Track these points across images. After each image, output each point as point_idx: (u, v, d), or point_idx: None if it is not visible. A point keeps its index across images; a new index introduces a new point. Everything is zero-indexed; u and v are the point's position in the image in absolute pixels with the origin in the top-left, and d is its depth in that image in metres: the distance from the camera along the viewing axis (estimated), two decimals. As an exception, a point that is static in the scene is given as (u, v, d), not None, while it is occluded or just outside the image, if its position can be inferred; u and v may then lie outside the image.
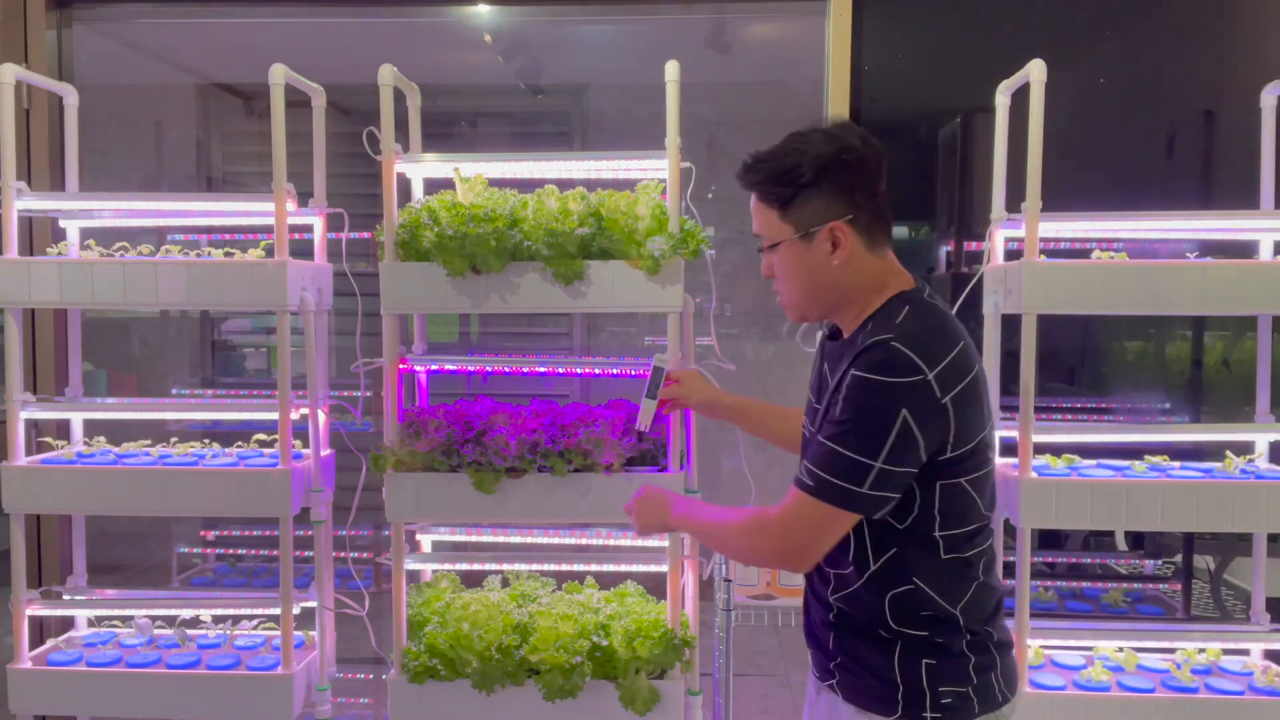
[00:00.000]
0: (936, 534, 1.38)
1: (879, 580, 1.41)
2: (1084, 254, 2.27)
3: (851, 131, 1.41)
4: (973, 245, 2.94)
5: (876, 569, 1.41)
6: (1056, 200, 2.14)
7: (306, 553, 2.50)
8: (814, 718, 1.57)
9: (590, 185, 2.17)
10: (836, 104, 2.68)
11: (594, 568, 2.42)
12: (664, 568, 2.20)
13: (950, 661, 1.41)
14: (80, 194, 2.52)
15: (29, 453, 2.39)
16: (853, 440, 1.31)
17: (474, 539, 2.49)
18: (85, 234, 2.51)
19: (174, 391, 3.61)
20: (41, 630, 2.75)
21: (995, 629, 1.46)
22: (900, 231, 3.17)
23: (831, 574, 1.47)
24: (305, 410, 2.34)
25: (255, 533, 3.23)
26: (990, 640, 1.44)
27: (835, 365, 1.44)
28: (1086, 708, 2.17)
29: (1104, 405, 2.98)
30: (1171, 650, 2.37)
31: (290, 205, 2.25)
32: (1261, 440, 2.34)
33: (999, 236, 2.34)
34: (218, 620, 2.55)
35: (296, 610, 2.33)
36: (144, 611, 2.52)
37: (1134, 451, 2.38)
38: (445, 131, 3.53)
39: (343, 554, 2.39)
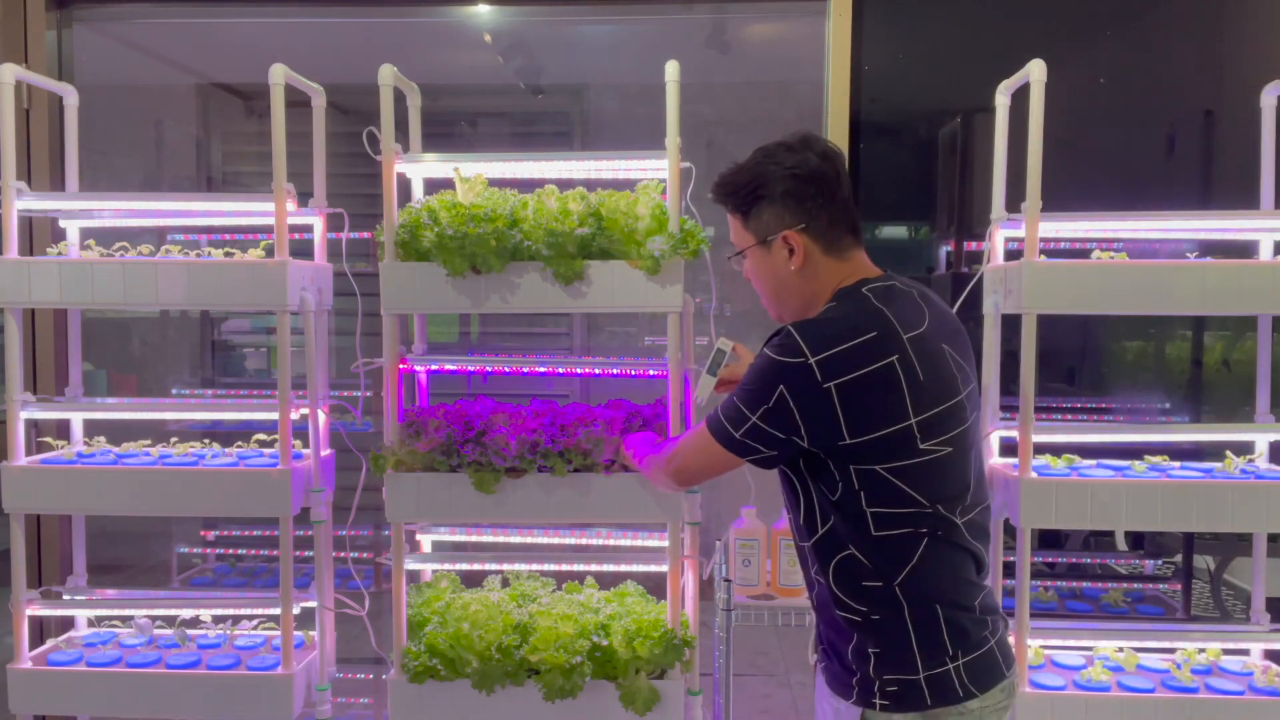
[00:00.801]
0: (865, 509, 1.44)
1: (822, 549, 1.51)
2: (1084, 254, 2.27)
3: (811, 146, 1.52)
4: (973, 245, 2.94)
5: (820, 537, 1.51)
6: (1056, 200, 2.14)
7: (306, 553, 2.50)
8: (819, 700, 1.66)
9: (590, 185, 2.17)
10: (836, 104, 2.68)
11: (594, 568, 2.42)
12: (664, 568, 2.20)
13: (896, 649, 1.46)
14: (80, 194, 2.52)
15: (29, 453, 2.39)
16: (743, 395, 1.47)
17: (474, 539, 2.49)
18: (85, 234, 2.51)
19: (174, 391, 3.61)
20: (41, 630, 2.75)
21: (957, 620, 1.46)
22: (900, 231, 3.17)
23: (805, 549, 1.57)
24: (305, 410, 2.34)
25: (255, 533, 3.23)
26: (945, 631, 1.45)
27: None
28: (1086, 708, 2.17)
29: (1104, 405, 2.98)
30: (1171, 650, 2.37)
31: (290, 205, 2.25)
32: (1261, 440, 2.34)
33: (999, 236, 2.34)
34: (218, 620, 2.55)
35: (296, 610, 2.33)
36: (144, 611, 2.52)
37: (1134, 451, 2.38)
38: (445, 131, 3.53)
39: (343, 554, 2.39)
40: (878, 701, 1.46)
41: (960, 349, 1.53)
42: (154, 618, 2.55)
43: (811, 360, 1.39)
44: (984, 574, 1.54)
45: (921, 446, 1.42)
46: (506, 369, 2.28)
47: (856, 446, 1.41)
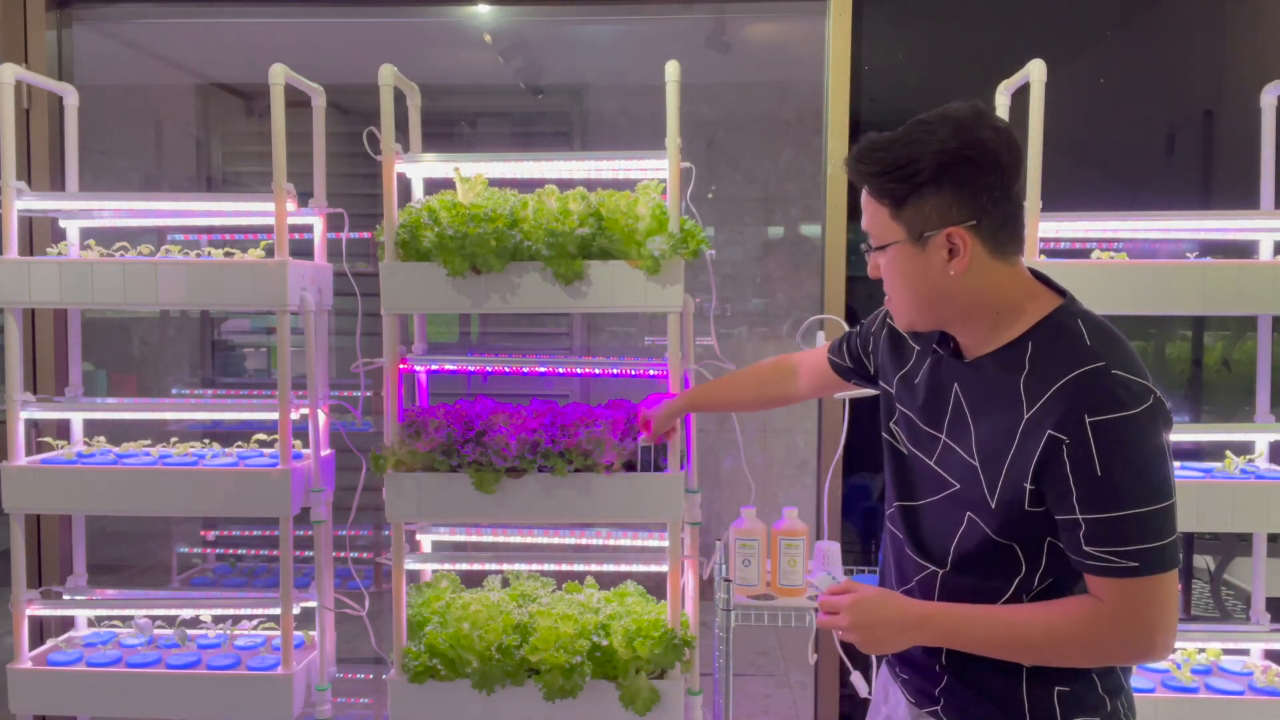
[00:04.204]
0: None
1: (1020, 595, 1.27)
2: (1084, 254, 2.27)
3: (983, 120, 1.20)
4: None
5: (1040, 591, 1.26)
6: (1056, 200, 2.14)
7: (306, 553, 2.50)
8: None
9: (590, 185, 2.17)
10: (836, 104, 2.68)
11: (594, 568, 2.42)
12: (664, 568, 2.20)
13: (1084, 686, 1.26)
14: (80, 194, 2.52)
15: (29, 453, 2.39)
16: (1142, 493, 1.13)
17: (474, 539, 2.49)
18: (85, 234, 2.52)
19: (174, 391, 3.61)
20: (41, 630, 2.75)
21: None
22: (900, 231, 3.16)
23: (957, 586, 1.31)
24: (305, 410, 2.34)
25: (255, 533, 3.23)
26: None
27: (982, 396, 1.28)
28: (1086, 708, 2.17)
29: (1104, 405, 2.98)
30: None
31: (290, 205, 2.26)
32: (1261, 440, 2.34)
33: (999, 236, 2.34)
34: (218, 620, 2.55)
35: (296, 610, 2.33)
36: (144, 611, 2.52)
37: (1134, 451, 2.38)
38: (445, 131, 3.53)
39: (343, 554, 2.39)
40: None
41: None
42: (154, 618, 2.55)
43: (1157, 391, 1.14)
44: None
45: None
46: (506, 369, 2.28)
47: None
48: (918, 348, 1.42)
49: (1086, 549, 1.17)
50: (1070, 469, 1.15)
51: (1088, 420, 1.13)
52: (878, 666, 2.33)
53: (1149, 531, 1.13)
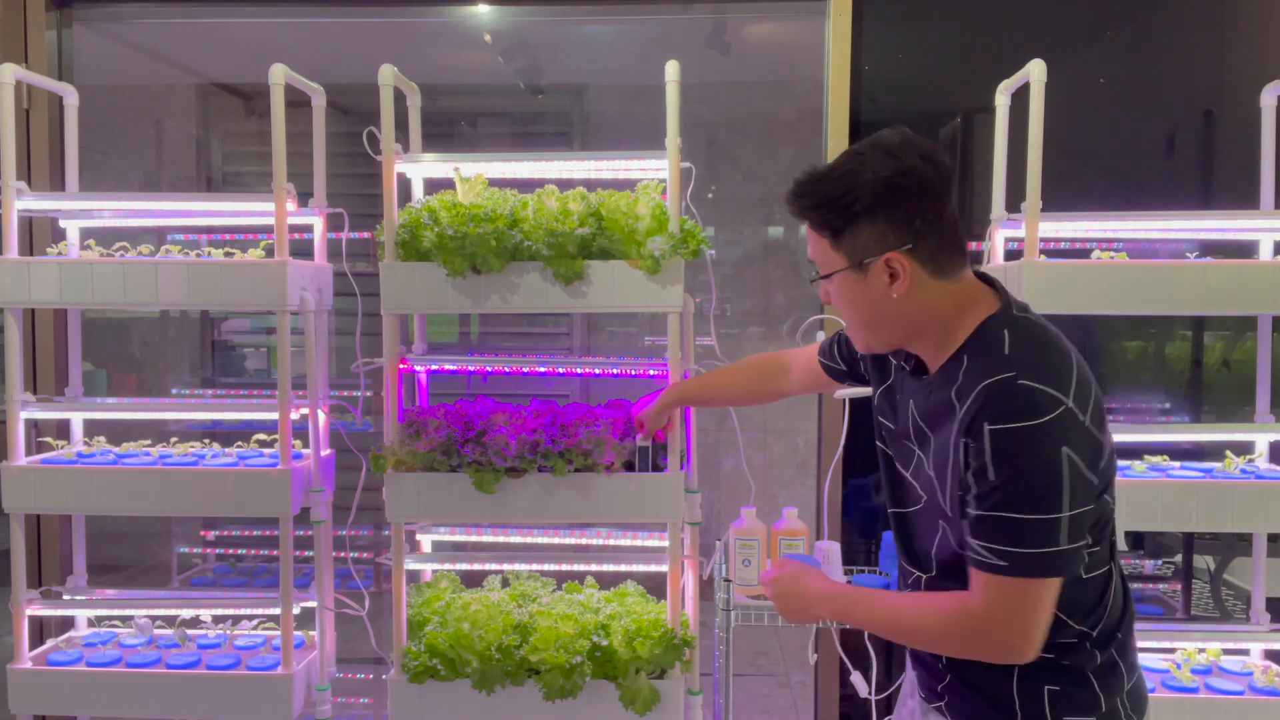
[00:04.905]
0: (1082, 551, 1.23)
1: None
2: (1084, 254, 2.27)
3: (912, 148, 1.24)
4: (973, 245, 2.94)
5: None
6: (1056, 200, 2.14)
7: (306, 553, 2.50)
8: None
9: (590, 185, 2.17)
10: (836, 104, 2.68)
11: (594, 568, 2.42)
12: (664, 568, 2.20)
13: (1076, 686, 1.28)
14: (80, 194, 2.52)
15: (29, 453, 2.39)
16: (1026, 501, 1.16)
17: (474, 539, 2.49)
18: (85, 234, 2.51)
19: (174, 391, 3.61)
20: (41, 630, 2.75)
21: (1127, 648, 1.33)
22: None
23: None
24: (305, 410, 2.34)
25: (255, 533, 3.23)
26: (1121, 663, 1.31)
27: (931, 411, 1.32)
28: (1086, 708, 2.16)
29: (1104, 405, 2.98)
30: (1171, 650, 2.37)
31: (290, 205, 2.26)
32: (1261, 440, 2.34)
33: (999, 236, 2.34)
34: (218, 620, 2.55)
35: (296, 610, 2.33)
36: (144, 611, 2.52)
37: (1134, 451, 2.38)
38: (445, 131, 3.53)
39: (343, 554, 2.39)
40: None
41: None
42: (154, 618, 2.55)
43: (1069, 403, 1.15)
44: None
45: (1117, 463, 1.28)
46: (506, 369, 2.28)
47: (1101, 471, 1.22)
48: (895, 362, 1.45)
49: (968, 540, 1.22)
50: (971, 470, 1.20)
51: (986, 428, 1.17)
52: (878, 665, 2.33)
53: (1024, 537, 1.16)
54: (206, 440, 2.59)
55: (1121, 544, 2.98)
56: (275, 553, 2.50)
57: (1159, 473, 2.28)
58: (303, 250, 2.36)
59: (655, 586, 2.31)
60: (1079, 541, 1.19)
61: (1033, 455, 1.15)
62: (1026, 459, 1.15)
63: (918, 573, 1.40)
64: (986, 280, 1.34)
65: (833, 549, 2.21)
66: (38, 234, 2.75)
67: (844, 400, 2.44)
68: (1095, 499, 1.22)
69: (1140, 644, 2.31)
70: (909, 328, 1.31)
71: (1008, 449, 1.15)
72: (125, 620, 2.61)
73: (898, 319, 1.30)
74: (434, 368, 2.39)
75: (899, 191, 1.23)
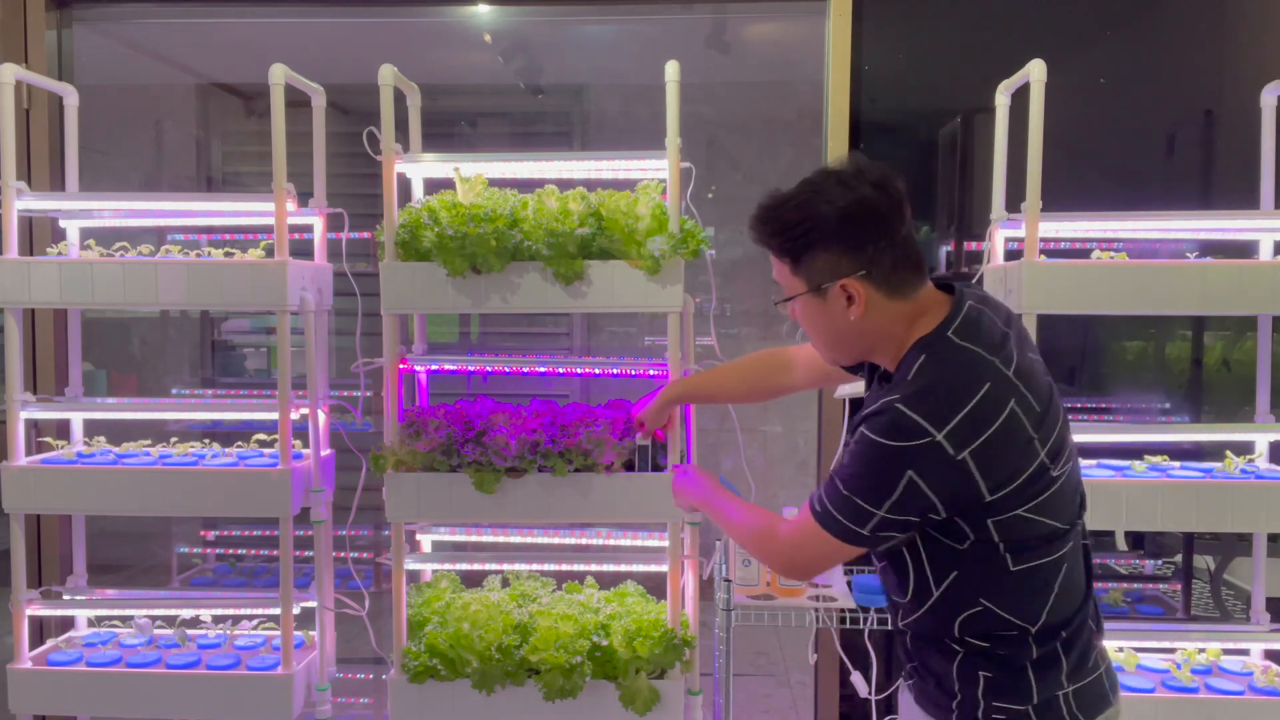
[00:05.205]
0: (1002, 551, 1.32)
1: (946, 606, 1.37)
2: (1084, 254, 2.27)
3: (865, 177, 1.32)
4: (973, 245, 2.94)
5: (939, 596, 1.37)
6: (1056, 200, 2.14)
7: (306, 553, 2.50)
8: (904, 713, 1.58)
9: (590, 185, 2.17)
10: (836, 104, 2.68)
11: (594, 568, 2.42)
12: (664, 568, 2.20)
13: (1011, 677, 1.35)
14: (80, 194, 2.52)
15: (29, 453, 2.39)
16: (857, 488, 1.30)
17: (474, 539, 2.49)
18: (85, 234, 2.51)
19: (174, 391, 3.61)
20: (41, 630, 2.75)
21: (1076, 645, 1.38)
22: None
23: (917, 610, 1.42)
24: (305, 410, 2.34)
25: (255, 533, 3.23)
26: (1064, 659, 1.36)
27: (872, 403, 1.39)
28: (1086, 708, 2.16)
29: (1104, 405, 2.98)
30: (1171, 650, 2.38)
31: (290, 205, 2.26)
32: (1261, 440, 2.34)
33: (999, 236, 2.34)
34: (218, 620, 2.55)
35: (296, 610, 2.33)
36: (144, 611, 2.52)
37: (1134, 451, 2.38)
38: (445, 131, 3.53)
39: (343, 554, 2.39)
40: None
41: (1029, 344, 1.41)
42: (154, 618, 2.55)
43: (939, 437, 1.24)
44: (1091, 571, 1.44)
45: (1054, 474, 1.31)
46: (506, 369, 2.28)
47: (997, 502, 1.28)
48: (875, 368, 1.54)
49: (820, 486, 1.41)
50: (849, 448, 1.36)
51: (861, 428, 1.31)
52: (878, 665, 2.33)
53: (841, 505, 1.32)
54: (206, 440, 2.60)
55: (1121, 544, 2.99)
56: (275, 553, 2.50)
57: (1159, 473, 2.28)
58: (303, 250, 2.36)
59: (655, 586, 2.31)
60: (887, 533, 1.32)
61: (877, 463, 1.28)
62: (872, 464, 1.28)
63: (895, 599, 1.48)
64: (949, 288, 1.41)
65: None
66: (38, 234, 2.75)
67: (844, 400, 2.44)
68: (973, 514, 1.29)
69: (1140, 644, 2.35)
70: (867, 344, 1.41)
71: (863, 449, 1.30)
72: (125, 620, 2.61)
73: (857, 337, 1.40)
74: (434, 368, 2.39)
75: (852, 220, 1.31)
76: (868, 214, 1.31)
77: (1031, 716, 1.34)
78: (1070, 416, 1.41)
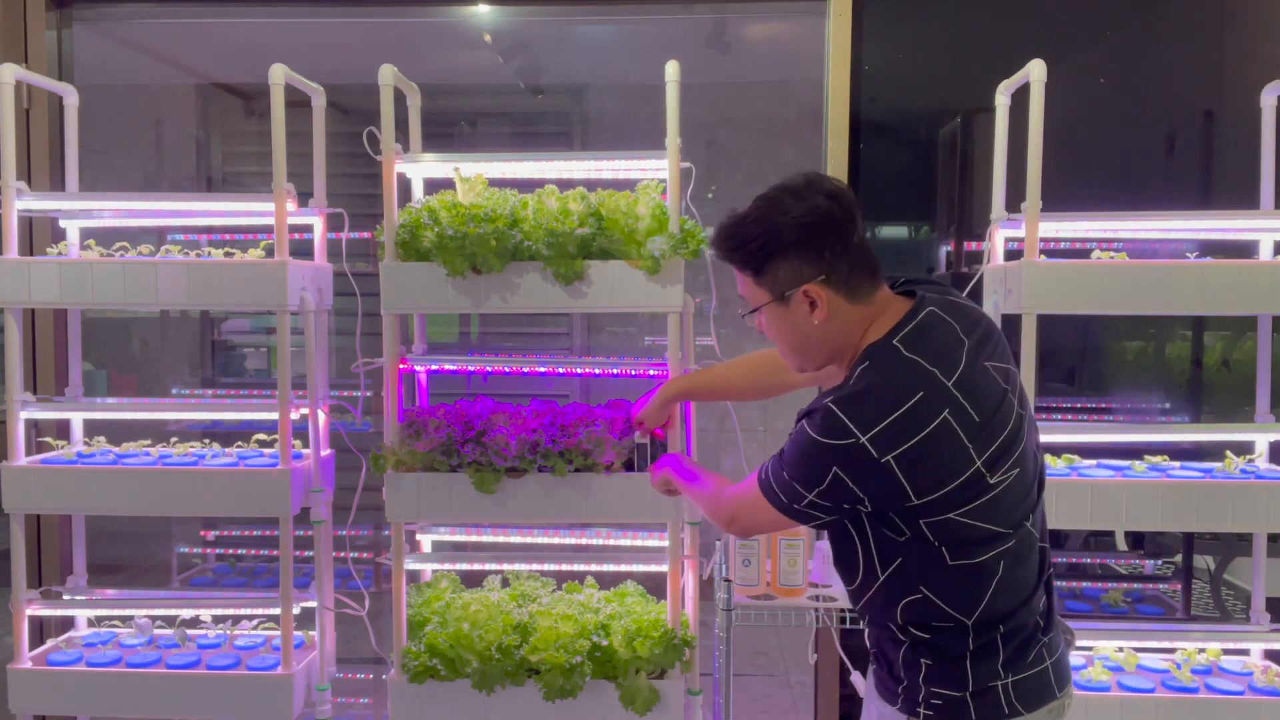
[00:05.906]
0: (939, 547, 1.37)
1: (888, 592, 1.44)
2: (1084, 254, 2.27)
3: (817, 189, 1.40)
4: (973, 245, 2.94)
5: (884, 581, 1.43)
6: (1056, 200, 2.14)
7: (306, 553, 2.50)
8: (866, 701, 1.65)
9: (590, 185, 2.17)
10: (836, 104, 2.68)
11: (594, 568, 2.42)
12: (664, 568, 2.20)
13: (949, 665, 1.41)
14: (80, 194, 2.52)
15: (29, 453, 2.39)
16: (793, 472, 1.39)
17: (474, 539, 2.49)
18: (85, 234, 2.52)
19: (174, 391, 3.61)
20: (41, 630, 2.75)
21: (1017, 640, 1.42)
22: (900, 231, 3.17)
23: (865, 592, 1.49)
24: (305, 410, 2.34)
25: (255, 533, 3.23)
26: (1003, 652, 1.40)
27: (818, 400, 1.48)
28: (1086, 708, 2.17)
29: (1104, 405, 2.98)
30: (1171, 650, 2.37)
31: (290, 205, 2.26)
32: (1261, 440, 2.34)
33: (999, 236, 2.34)
34: (218, 620, 2.55)
35: (296, 610, 2.33)
36: (144, 611, 2.52)
37: (1134, 451, 2.38)
38: (445, 131, 3.53)
39: (343, 554, 2.39)
40: (922, 711, 1.42)
41: (999, 352, 1.43)
42: (154, 618, 2.55)
43: (863, 439, 1.30)
44: (1045, 572, 1.47)
45: (992, 481, 1.34)
46: (506, 369, 2.28)
47: (925, 505, 1.33)
48: None
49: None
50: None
51: (802, 421, 1.39)
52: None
53: (779, 478, 1.42)
54: (206, 440, 2.60)
55: (1121, 544, 2.99)
56: (275, 553, 2.50)
57: (1159, 473, 2.28)
58: (303, 250, 2.36)
59: (655, 586, 2.31)
60: (816, 513, 1.40)
61: (809, 455, 1.36)
62: (805, 454, 1.37)
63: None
64: (911, 292, 1.46)
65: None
66: (38, 234, 2.75)
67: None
68: (903, 514, 1.36)
69: (1140, 644, 2.35)
70: (832, 348, 1.47)
71: (799, 440, 1.39)
72: (125, 620, 2.61)
73: (821, 342, 1.46)
74: (434, 368, 2.39)
75: (808, 229, 1.38)
76: (823, 221, 1.39)
77: (968, 703, 1.40)
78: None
